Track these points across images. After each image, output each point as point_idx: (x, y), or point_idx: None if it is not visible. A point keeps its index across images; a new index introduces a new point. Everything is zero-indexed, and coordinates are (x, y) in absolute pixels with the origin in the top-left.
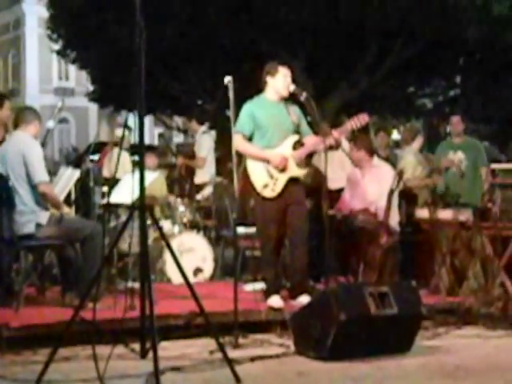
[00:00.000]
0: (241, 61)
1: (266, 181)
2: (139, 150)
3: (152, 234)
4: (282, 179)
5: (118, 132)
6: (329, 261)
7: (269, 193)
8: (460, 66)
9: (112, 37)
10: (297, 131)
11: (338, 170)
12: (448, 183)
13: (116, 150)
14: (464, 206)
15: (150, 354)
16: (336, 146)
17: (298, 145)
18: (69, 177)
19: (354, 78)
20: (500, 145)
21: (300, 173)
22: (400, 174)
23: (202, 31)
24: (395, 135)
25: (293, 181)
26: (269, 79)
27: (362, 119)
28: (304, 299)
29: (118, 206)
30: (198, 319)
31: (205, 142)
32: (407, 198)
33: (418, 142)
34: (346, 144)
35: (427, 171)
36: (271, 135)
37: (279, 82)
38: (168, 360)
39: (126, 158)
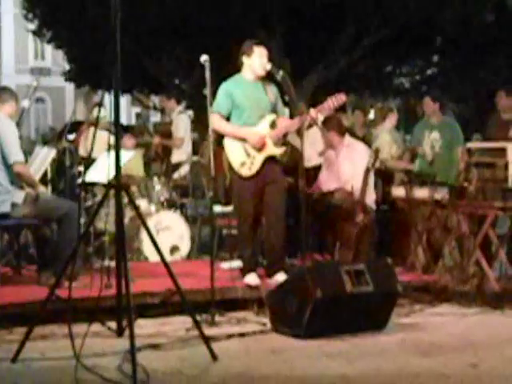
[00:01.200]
0: (218, 40)
1: (244, 159)
2: (115, 129)
3: (129, 213)
4: (259, 158)
5: (95, 111)
6: (305, 239)
7: (246, 171)
8: (437, 45)
9: (88, 16)
10: (274, 110)
11: (309, 148)
12: (423, 163)
13: (92, 129)
14: (440, 184)
15: (127, 332)
16: (312, 124)
17: (275, 124)
18: (44, 156)
19: (332, 57)
20: (476, 124)
21: (277, 151)
22: (376, 153)
23: (178, 10)
24: (372, 114)
25: (270, 159)
26: (245, 59)
27: (339, 98)
28: (280, 277)
29: (94, 184)
30: (175, 297)
31: (182, 122)
32: (383, 176)
33: (391, 121)
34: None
35: (402, 150)
36: (248, 114)
37: (255, 61)
38: (144, 338)
39: (105, 138)
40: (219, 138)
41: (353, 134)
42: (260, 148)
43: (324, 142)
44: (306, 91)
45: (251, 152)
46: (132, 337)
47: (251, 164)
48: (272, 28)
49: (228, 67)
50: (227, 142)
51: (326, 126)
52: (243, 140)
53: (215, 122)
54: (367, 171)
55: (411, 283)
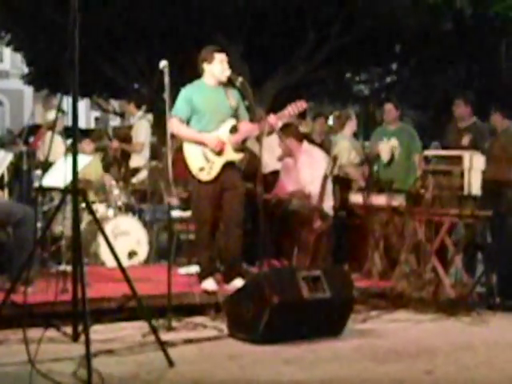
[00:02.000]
0: (179, 45)
1: (202, 164)
2: (72, 134)
3: (86, 218)
4: (218, 163)
5: (50, 115)
6: (263, 244)
7: (205, 176)
8: (396, 53)
9: (47, 19)
10: (235, 115)
11: (267, 154)
12: (381, 169)
13: (49, 133)
14: (397, 191)
15: (83, 337)
16: (271, 131)
17: (235, 129)
18: (1, 160)
19: (292, 63)
20: (434, 131)
21: (236, 157)
22: (334, 160)
23: (138, 14)
24: (331, 121)
25: (229, 165)
26: (205, 66)
27: (299, 105)
28: (238, 283)
29: (51, 189)
30: (132, 302)
31: (143, 127)
32: (342, 183)
33: (350, 128)
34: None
35: (361, 157)
36: (208, 119)
37: (216, 68)
38: (100, 343)
39: (59, 142)
40: (181, 143)
41: (311, 141)
42: (219, 153)
43: (282, 148)
44: (266, 97)
45: (210, 157)
46: (88, 342)
47: (210, 169)
48: (232, 34)
49: (188, 72)
50: (186, 147)
51: (284, 133)
52: (202, 145)
53: (174, 126)
54: (325, 178)
55: (368, 289)
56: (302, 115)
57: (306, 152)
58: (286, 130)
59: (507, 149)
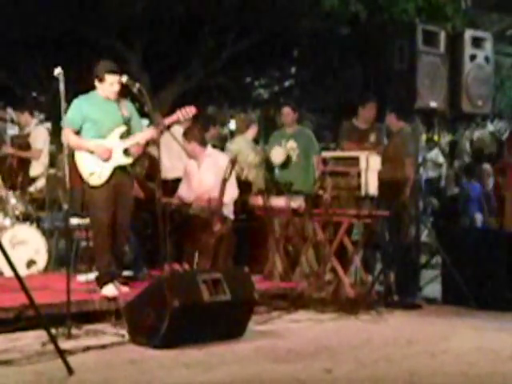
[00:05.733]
0: (77, 52)
1: (93, 169)
2: None
3: None
4: (107, 167)
5: None
6: (164, 248)
7: (95, 180)
8: (294, 57)
9: None
10: (128, 125)
11: (176, 160)
12: (279, 172)
13: None
14: (297, 193)
15: None
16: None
17: (125, 135)
18: None
19: (191, 69)
20: (333, 133)
21: (126, 161)
22: (232, 163)
23: (33, 21)
24: (232, 125)
25: (120, 170)
26: (97, 83)
27: (189, 111)
28: (109, 289)
29: None
30: (30, 311)
31: (40, 133)
32: (242, 185)
33: (252, 131)
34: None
35: (260, 158)
36: (99, 128)
37: (105, 89)
38: None
39: None
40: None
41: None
42: (107, 159)
43: (186, 152)
44: (166, 102)
45: (100, 163)
46: None
47: (100, 173)
48: (130, 40)
49: (88, 79)
50: (77, 154)
51: (186, 138)
52: (91, 152)
53: (65, 136)
54: (224, 181)
55: (269, 291)
56: (196, 120)
57: (209, 156)
58: (189, 134)
59: (402, 149)
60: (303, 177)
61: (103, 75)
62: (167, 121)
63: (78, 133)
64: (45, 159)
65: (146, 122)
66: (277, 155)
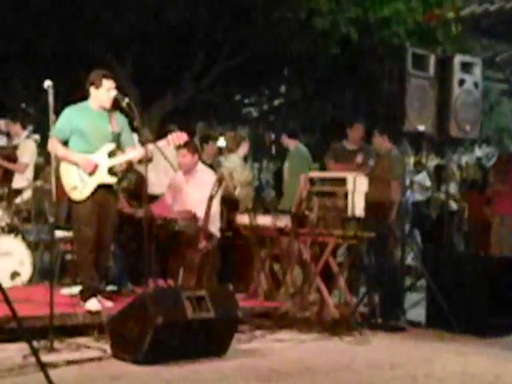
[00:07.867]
0: (67, 65)
1: (76, 183)
2: None
3: None
4: (91, 183)
5: None
6: (148, 264)
7: (77, 195)
8: (285, 76)
9: None
10: (118, 140)
11: (162, 176)
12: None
13: None
14: (283, 212)
15: None
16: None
17: (114, 153)
18: None
19: (181, 85)
20: (320, 154)
21: (111, 180)
22: (220, 180)
23: (24, 33)
24: (221, 142)
25: (104, 188)
26: (92, 90)
27: (180, 138)
28: (93, 304)
29: None
30: (12, 323)
31: (28, 147)
32: (228, 203)
33: (243, 149)
34: (172, 152)
35: (252, 176)
36: (88, 141)
37: (103, 94)
38: None
39: None
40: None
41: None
42: (91, 173)
43: (182, 164)
44: (155, 118)
45: (84, 177)
46: None
47: (83, 188)
48: (121, 54)
49: (77, 92)
50: (63, 166)
51: (189, 150)
52: (75, 164)
53: (51, 145)
54: (211, 198)
55: (253, 309)
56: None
57: (199, 172)
58: (192, 147)
59: (389, 171)
60: (290, 196)
61: (100, 80)
62: (157, 144)
63: (65, 143)
64: (29, 174)
65: (134, 136)
66: None
